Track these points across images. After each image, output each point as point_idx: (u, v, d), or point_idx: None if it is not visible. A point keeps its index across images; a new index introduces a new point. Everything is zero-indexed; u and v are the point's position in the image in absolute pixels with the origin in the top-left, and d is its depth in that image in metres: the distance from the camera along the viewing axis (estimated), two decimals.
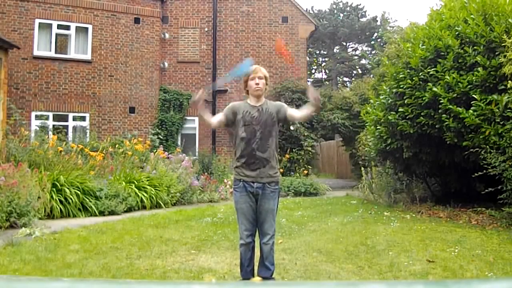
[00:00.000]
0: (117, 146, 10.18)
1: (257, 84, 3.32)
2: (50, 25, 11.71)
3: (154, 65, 12.84)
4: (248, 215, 3.33)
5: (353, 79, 28.96)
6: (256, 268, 3.48)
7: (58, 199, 6.82)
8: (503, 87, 5.99)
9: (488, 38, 6.29)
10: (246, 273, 3.41)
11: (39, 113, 11.36)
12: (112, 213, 7.21)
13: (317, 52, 33.21)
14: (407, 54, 7.50)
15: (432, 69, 6.74)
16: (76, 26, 11.93)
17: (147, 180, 8.36)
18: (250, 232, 3.36)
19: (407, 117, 7.13)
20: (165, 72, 13.24)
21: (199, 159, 11.84)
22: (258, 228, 3.39)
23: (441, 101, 6.45)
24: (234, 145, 3.45)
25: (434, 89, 6.54)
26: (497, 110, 5.93)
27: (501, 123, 5.90)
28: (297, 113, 3.49)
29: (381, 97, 8.14)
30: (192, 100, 3.42)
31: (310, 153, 12.81)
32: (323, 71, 34.79)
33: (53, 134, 10.12)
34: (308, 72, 27.39)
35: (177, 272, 3.86)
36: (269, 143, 3.31)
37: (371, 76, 18.06)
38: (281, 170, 10.80)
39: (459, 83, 6.33)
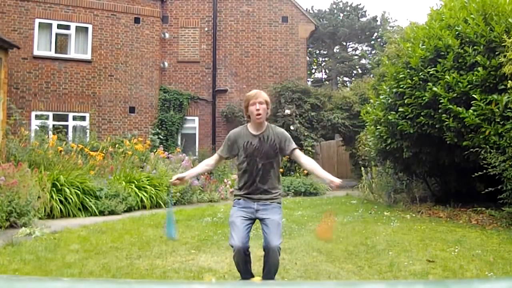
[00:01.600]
0: (117, 146, 10.19)
1: (258, 110, 3.13)
2: (50, 25, 11.71)
3: (154, 65, 12.84)
4: (241, 225, 3.09)
5: (353, 79, 28.93)
6: (255, 268, 3.46)
7: (58, 199, 6.82)
8: (503, 87, 5.99)
9: (488, 38, 6.29)
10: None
11: (39, 113, 11.36)
12: (112, 212, 7.22)
13: (317, 52, 33.17)
14: (407, 54, 7.50)
15: (432, 69, 6.73)
16: (76, 26, 11.94)
17: (147, 180, 8.37)
18: (241, 244, 3.05)
19: (407, 117, 7.13)
20: (165, 72, 13.24)
21: (199, 159, 11.83)
22: (263, 241, 3.14)
23: (441, 101, 6.45)
24: (238, 173, 3.34)
25: (434, 89, 6.53)
26: (497, 110, 5.93)
27: (501, 123, 5.90)
28: (304, 161, 3.25)
29: (381, 97, 8.14)
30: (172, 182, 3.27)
31: (310, 153, 12.80)
32: (323, 71, 34.78)
33: (53, 134, 10.13)
34: (308, 72, 27.39)
35: (177, 272, 3.86)
36: (270, 175, 3.21)
37: (371, 76, 18.06)
38: (281, 170, 10.80)
39: (459, 83, 6.33)
